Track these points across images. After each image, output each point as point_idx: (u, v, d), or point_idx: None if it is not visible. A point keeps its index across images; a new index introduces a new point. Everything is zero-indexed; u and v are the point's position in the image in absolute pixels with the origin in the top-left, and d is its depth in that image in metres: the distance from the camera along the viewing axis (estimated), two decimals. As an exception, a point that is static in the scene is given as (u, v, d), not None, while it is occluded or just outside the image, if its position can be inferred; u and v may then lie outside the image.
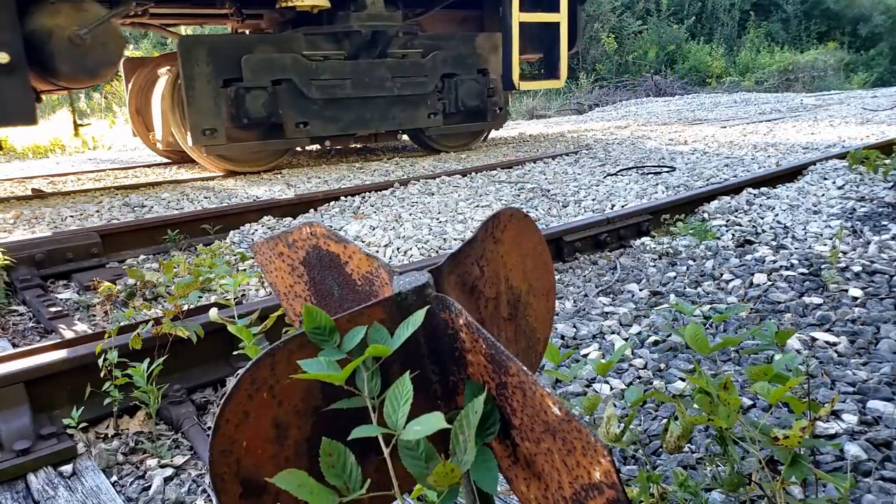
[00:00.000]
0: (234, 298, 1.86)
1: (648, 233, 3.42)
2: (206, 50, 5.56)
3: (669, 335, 2.09)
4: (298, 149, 6.87)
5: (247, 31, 7.35)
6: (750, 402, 1.64)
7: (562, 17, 7.32)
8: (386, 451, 0.74)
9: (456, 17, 7.83)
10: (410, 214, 4.10)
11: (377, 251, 3.41)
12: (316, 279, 1.07)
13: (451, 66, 6.84)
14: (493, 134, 8.69)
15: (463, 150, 7.48)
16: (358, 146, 7.56)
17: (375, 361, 0.79)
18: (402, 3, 6.82)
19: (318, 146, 6.53)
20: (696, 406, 1.07)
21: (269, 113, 5.84)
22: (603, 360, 1.23)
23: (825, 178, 4.38)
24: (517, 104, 14.82)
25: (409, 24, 6.78)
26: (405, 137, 7.66)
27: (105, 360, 1.73)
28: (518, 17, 6.92)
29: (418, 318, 0.78)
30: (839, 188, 4.08)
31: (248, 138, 5.99)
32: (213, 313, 1.70)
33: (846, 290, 2.32)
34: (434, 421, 0.68)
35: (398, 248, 3.41)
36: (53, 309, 2.60)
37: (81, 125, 6.67)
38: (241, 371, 0.76)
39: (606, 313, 2.38)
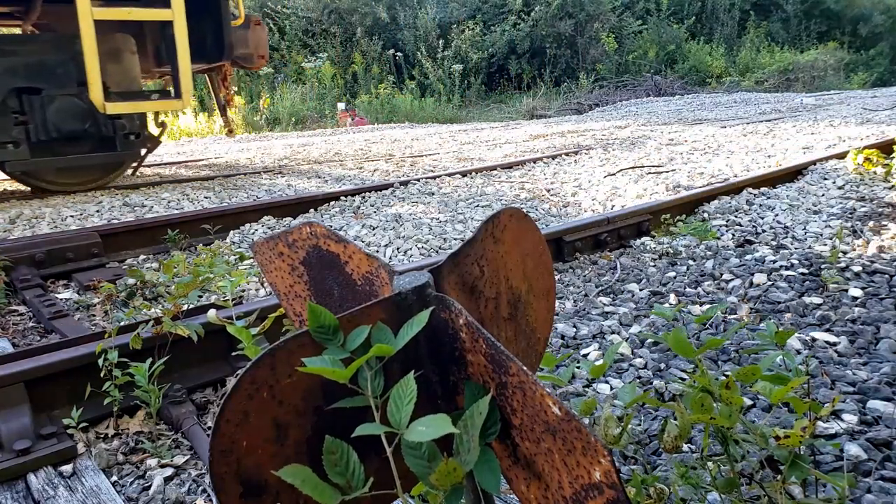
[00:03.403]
0: (234, 299, 1.86)
1: (648, 233, 3.42)
2: None
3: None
4: None
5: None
6: (749, 402, 1.64)
7: (175, 14, 5.08)
8: (389, 451, 0.74)
9: None
10: (410, 214, 4.10)
11: (377, 251, 3.41)
12: (316, 279, 1.07)
13: (29, 78, 4.88)
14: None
15: (95, 189, 5.46)
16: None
17: (379, 361, 0.79)
18: None
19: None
20: (683, 406, 1.07)
21: None
22: (599, 363, 1.23)
23: (825, 178, 4.38)
24: (516, 104, 14.76)
25: None
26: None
27: (105, 359, 1.73)
28: (92, 12, 4.71)
29: (423, 318, 0.78)
30: (839, 188, 4.08)
31: None
32: (212, 314, 1.70)
33: (846, 290, 2.33)
34: (441, 423, 0.68)
35: (398, 248, 3.41)
36: (53, 309, 2.60)
37: None
38: (241, 371, 0.76)
39: (606, 313, 2.38)
